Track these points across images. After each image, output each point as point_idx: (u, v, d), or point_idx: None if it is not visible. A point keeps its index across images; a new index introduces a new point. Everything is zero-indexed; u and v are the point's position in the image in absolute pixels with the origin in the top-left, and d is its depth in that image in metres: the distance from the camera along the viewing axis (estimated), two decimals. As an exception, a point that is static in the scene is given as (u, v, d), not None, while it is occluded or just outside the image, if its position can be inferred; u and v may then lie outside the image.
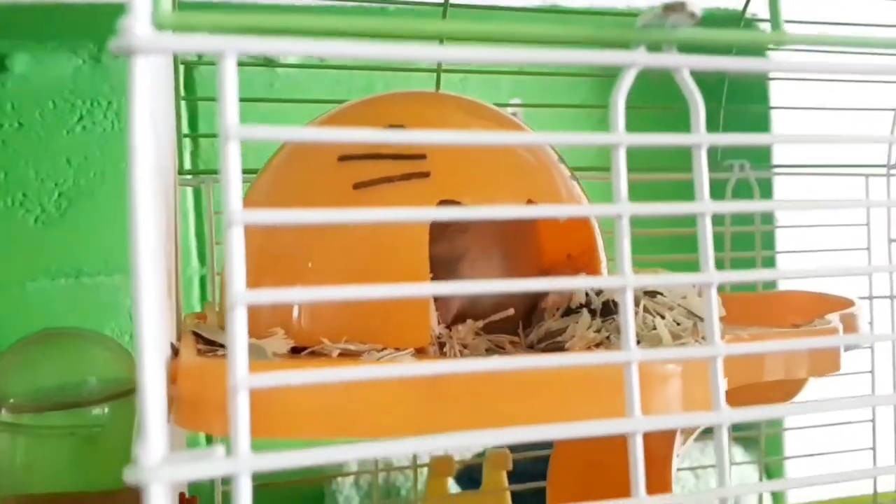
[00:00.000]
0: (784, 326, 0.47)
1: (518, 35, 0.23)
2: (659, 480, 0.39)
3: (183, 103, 0.88)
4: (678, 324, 0.36)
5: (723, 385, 0.23)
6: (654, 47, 0.22)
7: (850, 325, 0.49)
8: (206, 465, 0.19)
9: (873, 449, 0.68)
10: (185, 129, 0.85)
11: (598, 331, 0.36)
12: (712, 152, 0.65)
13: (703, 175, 0.23)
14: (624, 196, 0.22)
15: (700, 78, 0.23)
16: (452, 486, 0.67)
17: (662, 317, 0.33)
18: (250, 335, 0.36)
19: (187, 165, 0.84)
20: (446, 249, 0.38)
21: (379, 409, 0.25)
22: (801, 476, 0.81)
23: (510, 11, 0.85)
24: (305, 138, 0.23)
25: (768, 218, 0.78)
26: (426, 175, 0.37)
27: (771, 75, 0.86)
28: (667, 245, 0.76)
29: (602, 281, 0.23)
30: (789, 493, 0.89)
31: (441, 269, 0.38)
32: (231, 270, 0.19)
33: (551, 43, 0.23)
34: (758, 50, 0.66)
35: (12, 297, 0.82)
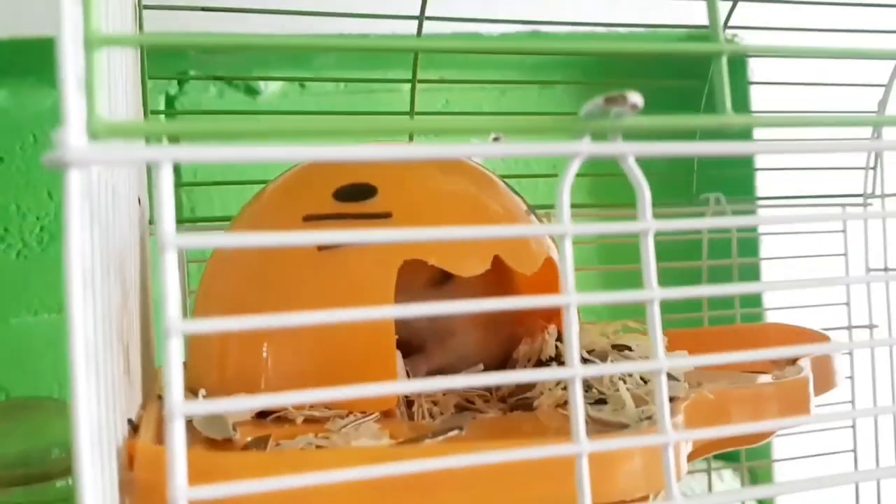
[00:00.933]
0: (763, 365, 0.47)
1: (467, 125, 0.23)
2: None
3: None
4: (645, 382, 0.36)
5: (675, 470, 0.22)
6: (599, 135, 0.22)
7: (824, 365, 0.49)
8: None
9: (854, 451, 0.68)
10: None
11: (565, 388, 0.36)
12: (686, 185, 0.65)
13: (650, 262, 0.23)
14: (571, 286, 0.22)
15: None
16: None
17: (625, 380, 0.33)
18: (213, 397, 0.36)
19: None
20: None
21: (331, 496, 0.24)
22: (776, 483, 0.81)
23: (490, 38, 0.85)
24: (240, 244, 0.23)
25: (751, 249, 0.78)
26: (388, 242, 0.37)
27: (752, 79, 0.86)
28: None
29: (552, 373, 0.23)
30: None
31: (414, 330, 0.38)
32: (166, 296, 0.19)
33: (504, 129, 0.23)
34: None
35: (-5, 334, 0.82)
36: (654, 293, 0.22)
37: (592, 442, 0.22)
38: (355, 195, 0.38)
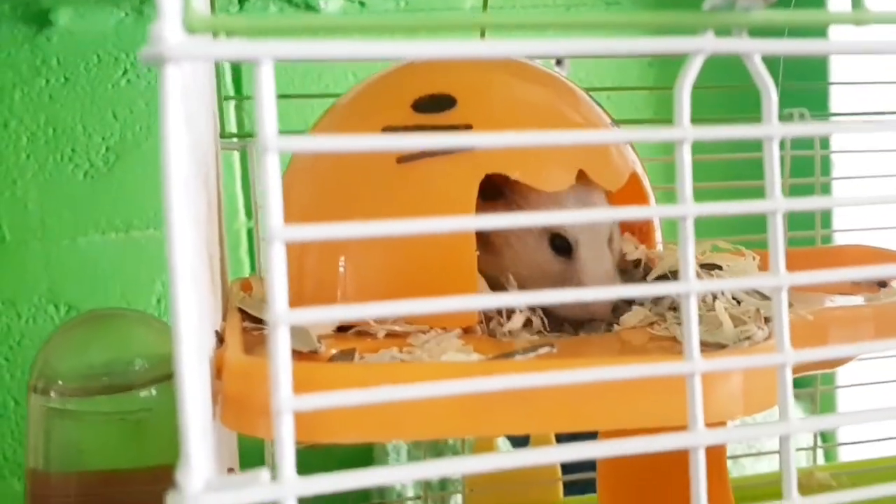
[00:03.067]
0: (843, 287, 0.45)
1: (576, 23, 0.21)
2: (715, 477, 0.38)
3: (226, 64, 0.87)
4: (738, 302, 0.34)
5: (790, 393, 0.21)
6: (722, 31, 0.21)
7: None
8: (251, 492, 0.18)
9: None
10: (230, 88, 0.84)
11: (650, 308, 0.35)
12: (724, 100, 0.62)
13: (774, 170, 0.21)
14: (689, 196, 0.20)
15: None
16: (503, 443, 0.67)
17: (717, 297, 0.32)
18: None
19: (232, 127, 0.83)
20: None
21: (425, 409, 0.24)
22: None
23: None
24: (342, 147, 0.22)
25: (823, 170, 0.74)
26: (472, 147, 0.35)
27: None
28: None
29: (665, 287, 0.21)
30: (841, 452, 0.87)
31: (489, 240, 0.37)
32: (272, 289, 0.18)
33: (611, 29, 0.21)
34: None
35: (63, 252, 0.83)
36: (777, 203, 0.21)
37: (707, 360, 0.21)
38: (434, 106, 0.37)
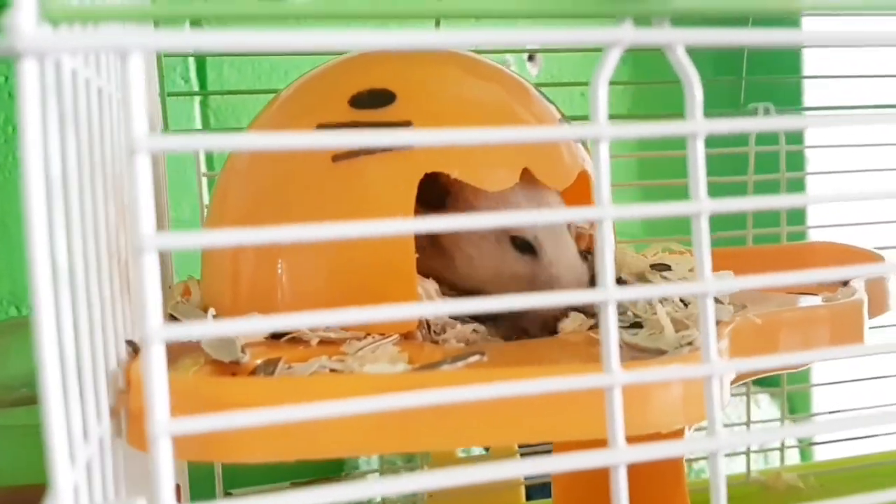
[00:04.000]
0: (809, 287, 0.44)
1: (494, 11, 0.20)
2: (672, 481, 0.37)
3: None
4: (686, 305, 0.33)
5: (719, 402, 0.20)
6: (642, 21, 0.19)
7: (878, 288, 0.45)
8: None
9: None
10: (194, 79, 0.82)
11: (595, 313, 0.33)
12: (734, 94, 0.61)
13: (699, 169, 0.20)
14: (607, 199, 0.19)
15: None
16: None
17: (663, 303, 0.31)
18: (225, 318, 0.34)
19: (197, 122, 0.81)
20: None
21: (338, 426, 0.22)
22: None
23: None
24: (223, 146, 0.20)
25: (797, 165, 0.73)
26: (411, 145, 0.34)
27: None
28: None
29: (583, 295, 0.20)
30: (817, 450, 0.86)
31: (441, 244, 0.36)
32: (144, 303, 0.17)
33: (531, 17, 0.20)
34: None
35: (24, 254, 0.80)
36: (701, 205, 0.19)
37: (626, 372, 0.19)
38: (372, 102, 0.35)
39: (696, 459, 0.74)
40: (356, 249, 0.34)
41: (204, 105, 0.84)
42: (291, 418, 0.18)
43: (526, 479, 0.57)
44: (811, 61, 0.87)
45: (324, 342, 0.32)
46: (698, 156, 0.20)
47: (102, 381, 0.22)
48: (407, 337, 0.33)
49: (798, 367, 0.48)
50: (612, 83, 0.20)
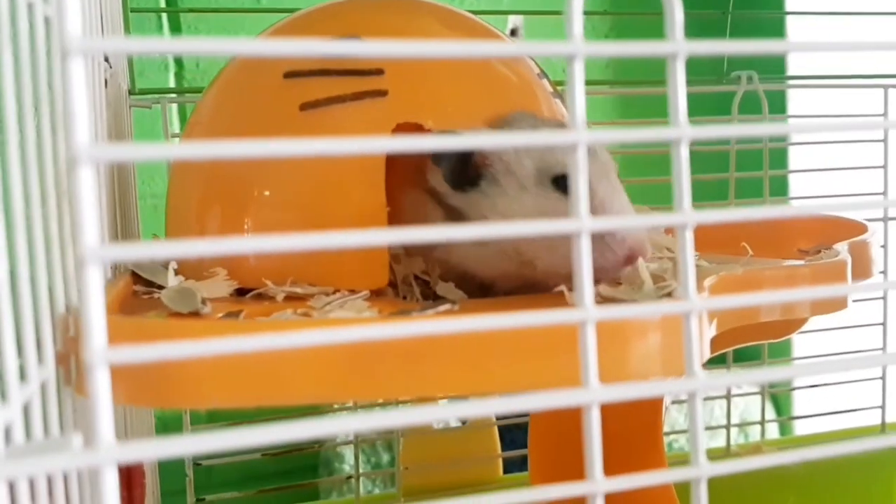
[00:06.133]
0: (790, 253, 0.43)
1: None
2: (649, 444, 0.36)
3: (164, 18, 0.83)
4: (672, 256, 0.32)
5: (698, 345, 0.19)
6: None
7: (860, 254, 0.45)
8: (58, 459, 0.15)
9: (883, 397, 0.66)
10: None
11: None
12: (717, 63, 0.60)
13: (678, 91, 0.18)
14: (581, 120, 0.18)
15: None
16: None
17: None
18: (189, 276, 0.33)
19: (171, 83, 0.80)
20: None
21: (304, 373, 0.21)
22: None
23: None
24: (175, 155, 0.19)
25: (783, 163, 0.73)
26: (383, 94, 0.33)
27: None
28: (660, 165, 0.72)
29: (556, 225, 0.19)
30: (797, 424, 0.86)
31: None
32: (80, 219, 0.15)
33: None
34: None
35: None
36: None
37: (600, 308, 0.18)
38: (344, 50, 0.34)
39: (676, 433, 0.73)
40: (326, 205, 0.33)
41: (179, 76, 0.83)
42: (246, 348, 0.17)
43: (503, 452, 0.57)
44: (795, 28, 0.86)
45: (290, 297, 0.31)
46: (678, 78, 0.18)
47: (47, 324, 0.21)
48: (378, 293, 0.32)
49: (779, 333, 0.48)
50: (588, 13, 0.19)
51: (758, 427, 0.83)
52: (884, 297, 0.64)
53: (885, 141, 0.62)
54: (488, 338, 0.21)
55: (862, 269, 0.44)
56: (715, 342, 0.41)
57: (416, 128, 0.33)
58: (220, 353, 0.16)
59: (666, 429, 0.82)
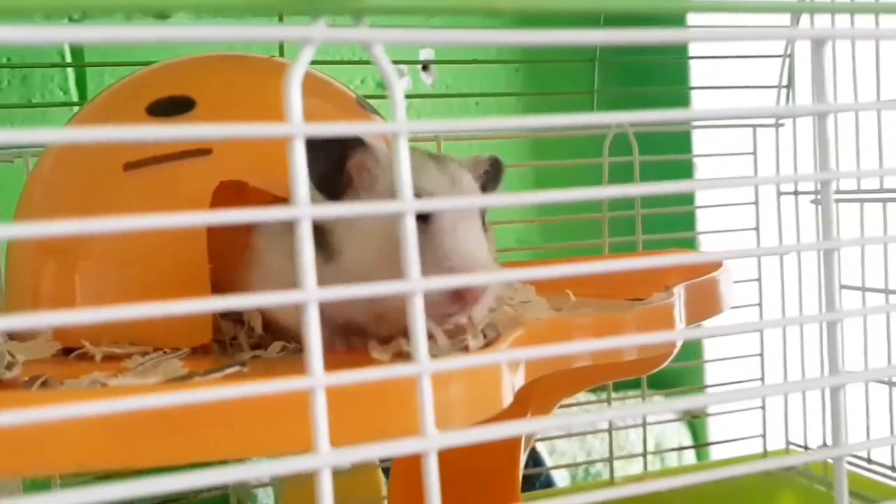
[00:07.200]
0: (657, 290, 0.44)
1: (194, 4, 0.19)
2: (507, 482, 0.36)
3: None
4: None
5: (430, 407, 0.20)
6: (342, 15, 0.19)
7: (708, 291, 0.46)
8: None
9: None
10: (73, 90, 0.80)
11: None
12: (587, 104, 0.62)
13: (403, 164, 0.19)
14: (304, 198, 0.19)
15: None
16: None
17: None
18: (17, 338, 0.33)
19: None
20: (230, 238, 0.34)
21: (65, 442, 0.21)
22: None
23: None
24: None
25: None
26: (207, 152, 0.33)
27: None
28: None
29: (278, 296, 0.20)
30: (712, 448, 0.88)
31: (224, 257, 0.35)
32: None
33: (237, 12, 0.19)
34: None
35: None
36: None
37: (329, 374, 0.19)
38: (171, 109, 0.34)
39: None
40: (152, 262, 0.33)
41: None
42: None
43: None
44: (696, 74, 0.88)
45: (108, 357, 0.31)
46: (402, 153, 0.19)
47: None
48: (200, 351, 0.32)
49: (639, 371, 0.49)
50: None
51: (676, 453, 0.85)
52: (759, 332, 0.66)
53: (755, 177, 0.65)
54: (236, 404, 0.22)
55: (710, 305, 0.46)
56: (557, 385, 0.42)
57: (240, 185, 0.33)
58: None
59: (584, 456, 0.84)
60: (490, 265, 0.31)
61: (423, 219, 0.29)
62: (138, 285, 0.33)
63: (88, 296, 0.34)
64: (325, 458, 0.19)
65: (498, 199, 0.23)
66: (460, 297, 0.29)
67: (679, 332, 0.36)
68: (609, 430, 0.63)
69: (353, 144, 0.31)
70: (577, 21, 0.22)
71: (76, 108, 0.82)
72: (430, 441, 0.19)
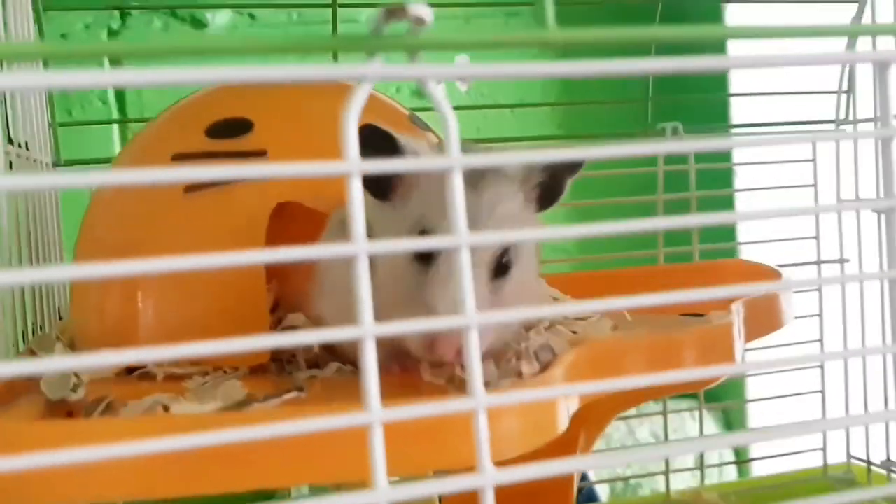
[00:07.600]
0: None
1: (244, 47, 0.20)
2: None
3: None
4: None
5: (486, 442, 0.20)
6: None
7: (768, 307, 0.45)
8: None
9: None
10: (113, 102, 0.81)
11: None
12: (641, 114, 0.61)
13: (459, 201, 0.19)
14: (361, 234, 0.19)
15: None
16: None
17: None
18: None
19: (116, 143, 0.81)
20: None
21: (123, 472, 0.22)
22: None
23: None
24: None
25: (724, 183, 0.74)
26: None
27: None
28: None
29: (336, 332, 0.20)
30: (753, 465, 0.86)
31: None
32: None
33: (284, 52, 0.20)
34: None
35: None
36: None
37: (386, 409, 0.19)
38: (229, 131, 0.35)
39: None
40: (210, 283, 0.34)
41: (123, 127, 0.84)
42: (51, 463, 0.17)
43: None
44: (738, 79, 0.87)
45: (169, 378, 0.32)
46: (457, 189, 0.19)
47: None
48: (260, 370, 0.33)
49: (694, 387, 0.48)
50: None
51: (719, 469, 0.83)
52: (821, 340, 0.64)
53: (814, 185, 0.63)
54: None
55: (770, 320, 0.45)
56: (612, 402, 0.42)
57: (297, 207, 0.34)
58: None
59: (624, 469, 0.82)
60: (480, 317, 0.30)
61: (427, 259, 0.29)
62: (199, 303, 0.34)
63: (151, 312, 0.35)
64: (384, 495, 0.19)
65: (528, 234, 0.22)
66: (431, 347, 0.28)
67: (737, 367, 0.35)
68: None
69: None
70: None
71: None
72: (487, 477, 0.19)
